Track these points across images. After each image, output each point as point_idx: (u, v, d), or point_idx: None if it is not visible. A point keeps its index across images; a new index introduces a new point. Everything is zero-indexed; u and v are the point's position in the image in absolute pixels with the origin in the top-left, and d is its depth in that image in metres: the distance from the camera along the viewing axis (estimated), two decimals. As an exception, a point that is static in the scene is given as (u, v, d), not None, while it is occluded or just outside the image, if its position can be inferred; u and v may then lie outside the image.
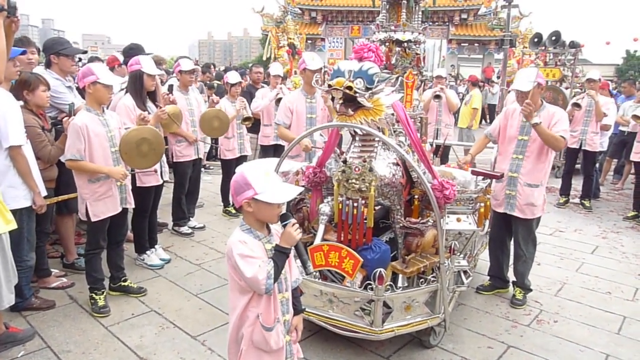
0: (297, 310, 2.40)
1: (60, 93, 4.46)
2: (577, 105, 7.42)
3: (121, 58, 6.06)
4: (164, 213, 6.17)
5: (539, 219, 4.35)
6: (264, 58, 12.38)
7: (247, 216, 2.20)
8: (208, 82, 10.89)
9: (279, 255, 2.11)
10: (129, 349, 3.49)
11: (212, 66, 14.12)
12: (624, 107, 8.69)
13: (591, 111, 7.40)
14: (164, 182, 5.03)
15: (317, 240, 3.51)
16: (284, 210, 2.21)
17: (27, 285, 3.83)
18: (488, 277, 4.66)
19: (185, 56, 7.02)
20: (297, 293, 2.43)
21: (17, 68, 3.74)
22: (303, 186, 4.04)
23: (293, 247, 2.20)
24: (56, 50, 4.50)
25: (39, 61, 4.74)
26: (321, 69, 5.11)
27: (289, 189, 2.19)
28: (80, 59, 6.90)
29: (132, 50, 5.39)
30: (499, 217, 4.40)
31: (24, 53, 3.90)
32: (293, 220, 2.15)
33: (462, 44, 28.02)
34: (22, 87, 3.86)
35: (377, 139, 3.38)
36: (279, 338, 2.21)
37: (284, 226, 2.15)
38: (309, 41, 25.34)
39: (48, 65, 4.54)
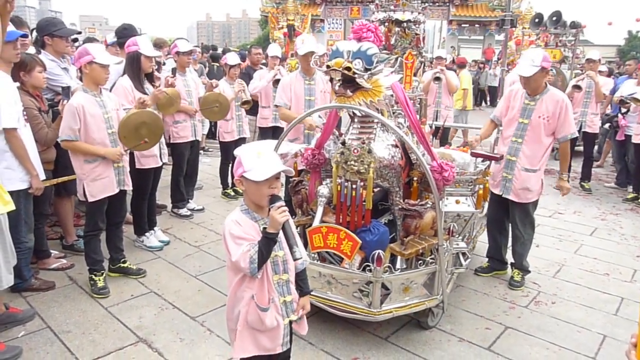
0: (303, 291, 2.39)
1: (56, 75, 4.41)
2: (577, 87, 7.36)
3: (110, 39, 6.05)
4: (163, 195, 6.16)
5: (536, 201, 4.34)
6: (271, 40, 12.15)
7: (244, 196, 2.22)
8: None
9: (265, 241, 2.07)
10: (128, 330, 3.51)
11: (212, 49, 13.98)
12: (621, 88, 8.62)
13: (591, 92, 7.36)
14: (163, 164, 5.01)
15: (316, 222, 3.51)
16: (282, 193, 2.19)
17: (26, 267, 3.83)
18: (486, 259, 4.66)
19: (182, 37, 6.95)
20: (303, 275, 2.40)
21: (18, 51, 3.66)
22: (301, 170, 4.04)
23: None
24: (50, 32, 4.44)
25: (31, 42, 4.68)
26: (312, 52, 4.98)
27: (273, 168, 2.10)
28: (76, 39, 6.85)
29: (126, 31, 5.33)
30: (497, 199, 4.38)
31: (25, 36, 3.82)
32: (278, 204, 2.08)
33: (463, 25, 27.74)
34: (19, 69, 3.80)
35: (376, 120, 3.36)
36: (274, 318, 2.22)
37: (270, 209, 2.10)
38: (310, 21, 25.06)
39: (42, 46, 4.48)
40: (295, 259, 2.14)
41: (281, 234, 2.12)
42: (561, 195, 4.44)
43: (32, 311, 3.63)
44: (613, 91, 7.99)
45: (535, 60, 3.94)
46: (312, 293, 3.30)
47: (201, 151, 7.79)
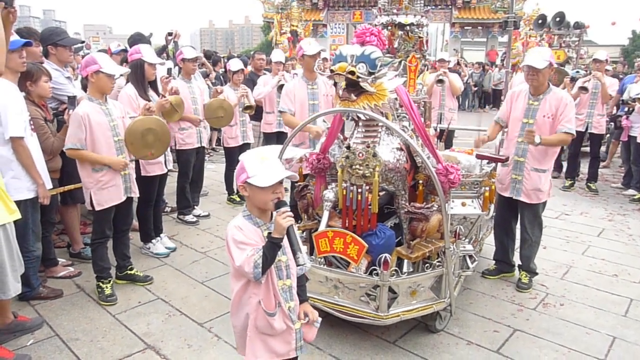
0: (301, 299, 2.38)
1: (61, 84, 4.44)
2: (584, 89, 7.31)
3: (114, 48, 6.10)
4: (170, 201, 6.20)
5: (545, 202, 4.32)
6: (273, 43, 12.19)
7: (247, 202, 2.23)
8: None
9: (269, 245, 2.07)
10: (136, 337, 3.51)
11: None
12: (629, 89, 8.58)
13: (597, 93, 7.31)
14: (169, 170, 5.02)
15: (322, 227, 3.50)
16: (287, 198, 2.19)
17: (34, 275, 3.85)
18: (494, 261, 4.65)
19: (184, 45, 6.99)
20: (302, 281, 2.40)
21: (24, 59, 3.68)
22: (307, 174, 4.04)
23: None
24: (54, 41, 4.47)
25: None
26: (319, 53, 5.08)
27: (278, 173, 2.11)
28: (81, 48, 6.90)
29: (139, 41, 5.35)
30: (504, 201, 4.37)
31: (28, 44, 3.84)
32: (283, 209, 2.08)
33: (466, 28, 27.68)
34: (25, 78, 3.83)
35: (380, 124, 3.36)
36: (282, 321, 2.23)
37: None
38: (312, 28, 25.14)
39: (46, 55, 4.50)
40: (298, 265, 2.15)
41: (285, 239, 2.13)
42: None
43: (40, 319, 3.64)
44: (620, 91, 7.96)
45: (544, 55, 4.06)
46: (319, 298, 3.33)
47: (207, 156, 7.80)
